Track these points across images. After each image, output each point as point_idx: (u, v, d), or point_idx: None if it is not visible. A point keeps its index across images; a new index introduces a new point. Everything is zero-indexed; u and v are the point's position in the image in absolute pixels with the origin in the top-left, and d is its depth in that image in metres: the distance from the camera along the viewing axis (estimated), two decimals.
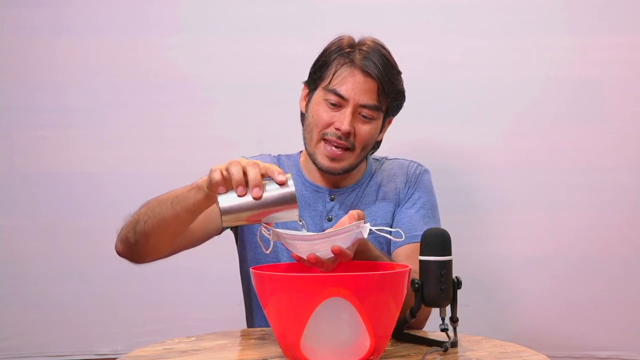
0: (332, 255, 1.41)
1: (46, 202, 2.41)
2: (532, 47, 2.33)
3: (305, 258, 1.42)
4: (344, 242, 1.41)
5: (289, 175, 1.41)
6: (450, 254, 1.48)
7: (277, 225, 1.43)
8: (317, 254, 1.41)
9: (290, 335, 1.33)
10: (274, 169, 1.41)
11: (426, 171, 1.92)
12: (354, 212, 1.45)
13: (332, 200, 1.85)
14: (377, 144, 1.89)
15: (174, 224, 1.60)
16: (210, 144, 2.39)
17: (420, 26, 2.37)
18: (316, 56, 1.83)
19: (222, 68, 2.40)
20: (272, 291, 1.35)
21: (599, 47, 2.31)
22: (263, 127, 2.37)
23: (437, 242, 1.48)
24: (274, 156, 1.95)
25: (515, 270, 2.36)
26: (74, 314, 2.41)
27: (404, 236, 1.47)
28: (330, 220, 1.83)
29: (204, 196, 1.52)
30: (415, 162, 1.93)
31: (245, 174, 1.40)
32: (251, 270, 1.40)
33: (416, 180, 1.88)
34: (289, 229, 1.45)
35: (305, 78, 1.85)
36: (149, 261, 1.71)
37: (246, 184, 1.40)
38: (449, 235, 1.49)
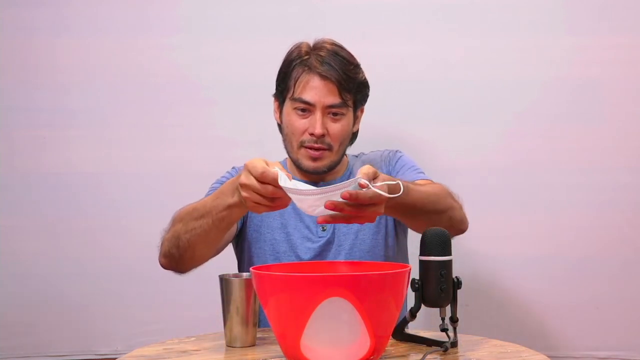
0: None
1: (46, 202, 2.41)
2: (532, 47, 2.33)
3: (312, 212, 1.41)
4: (338, 197, 1.37)
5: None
6: (450, 254, 1.49)
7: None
8: (316, 210, 1.39)
9: (290, 335, 1.33)
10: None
11: (401, 151, 1.98)
12: (364, 169, 1.41)
13: None
14: (354, 136, 1.96)
15: (216, 235, 1.65)
16: (210, 144, 2.39)
17: (420, 26, 2.37)
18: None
19: (222, 68, 2.40)
20: (272, 291, 1.35)
21: (599, 47, 2.31)
22: (263, 127, 2.36)
23: (437, 242, 1.48)
24: None
25: (515, 270, 2.36)
26: (74, 314, 2.41)
27: (402, 190, 1.41)
28: None
29: (242, 211, 1.54)
30: (389, 149, 1.98)
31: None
32: (251, 270, 1.40)
33: (396, 159, 1.94)
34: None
35: None
36: (192, 269, 1.76)
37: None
38: (449, 235, 1.49)
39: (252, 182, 1.42)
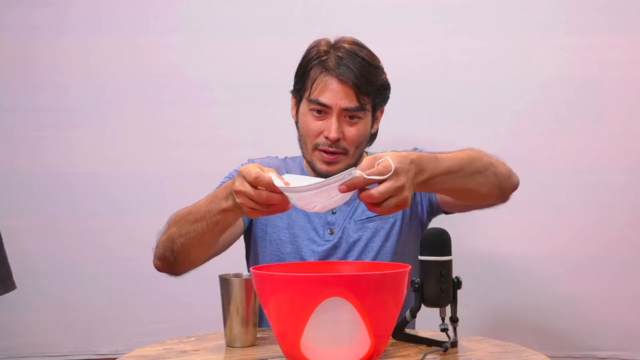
0: (337, 200, 1.36)
1: (46, 202, 2.41)
2: (532, 47, 2.33)
3: (310, 209, 1.38)
4: (336, 189, 1.35)
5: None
6: (450, 254, 1.49)
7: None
8: (317, 207, 1.37)
9: (290, 335, 1.34)
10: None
11: (417, 148, 1.91)
12: (363, 163, 1.39)
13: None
14: (373, 136, 1.92)
15: (210, 239, 1.63)
16: (210, 143, 2.40)
17: (420, 26, 2.38)
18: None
19: (222, 68, 2.40)
20: (272, 291, 1.35)
21: (599, 47, 2.31)
22: (263, 127, 2.37)
23: (437, 242, 1.48)
24: (281, 159, 1.98)
25: (515, 270, 2.36)
26: (74, 313, 2.41)
27: (393, 167, 1.35)
28: (334, 213, 1.86)
29: (237, 215, 1.53)
30: (406, 150, 1.90)
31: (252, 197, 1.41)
32: (251, 270, 1.40)
33: None
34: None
35: None
36: (187, 271, 1.74)
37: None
38: (449, 235, 1.49)
39: (247, 188, 1.40)
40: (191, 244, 1.63)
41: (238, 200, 1.43)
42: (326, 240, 1.84)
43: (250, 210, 1.43)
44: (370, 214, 1.83)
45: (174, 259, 1.68)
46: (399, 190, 1.37)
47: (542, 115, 2.34)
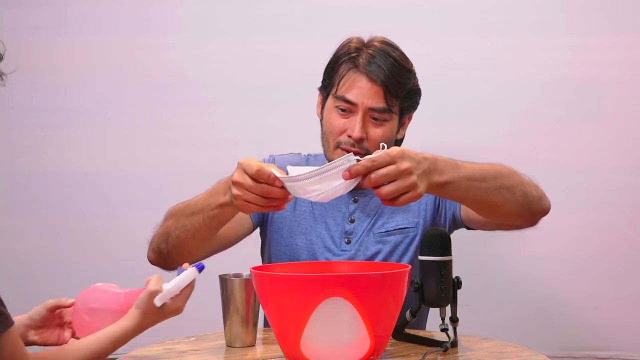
0: (339, 189, 1.36)
1: (46, 202, 2.41)
2: (532, 47, 2.33)
3: (308, 198, 1.38)
4: (337, 177, 1.35)
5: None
6: (450, 254, 1.49)
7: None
8: (319, 195, 1.36)
9: (290, 335, 1.34)
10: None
11: None
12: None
13: (355, 202, 1.82)
14: (398, 143, 1.87)
15: (206, 233, 1.63)
16: (210, 144, 2.40)
17: (420, 26, 2.37)
18: (322, 58, 1.82)
19: (222, 68, 2.40)
20: (272, 291, 1.35)
21: (599, 47, 2.31)
22: (263, 127, 2.37)
23: (437, 242, 1.48)
24: (303, 155, 1.94)
25: (515, 270, 2.36)
26: None
27: (385, 147, 1.38)
28: (352, 222, 1.81)
29: (234, 210, 1.52)
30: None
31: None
32: (251, 270, 1.40)
33: None
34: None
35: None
36: (180, 266, 1.71)
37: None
38: (449, 235, 1.49)
39: (246, 180, 1.39)
40: (186, 237, 1.63)
41: (234, 191, 1.42)
42: (342, 250, 1.80)
43: (244, 203, 1.42)
44: (390, 227, 1.80)
45: (167, 252, 1.68)
46: (402, 174, 1.36)
47: (542, 115, 2.34)
